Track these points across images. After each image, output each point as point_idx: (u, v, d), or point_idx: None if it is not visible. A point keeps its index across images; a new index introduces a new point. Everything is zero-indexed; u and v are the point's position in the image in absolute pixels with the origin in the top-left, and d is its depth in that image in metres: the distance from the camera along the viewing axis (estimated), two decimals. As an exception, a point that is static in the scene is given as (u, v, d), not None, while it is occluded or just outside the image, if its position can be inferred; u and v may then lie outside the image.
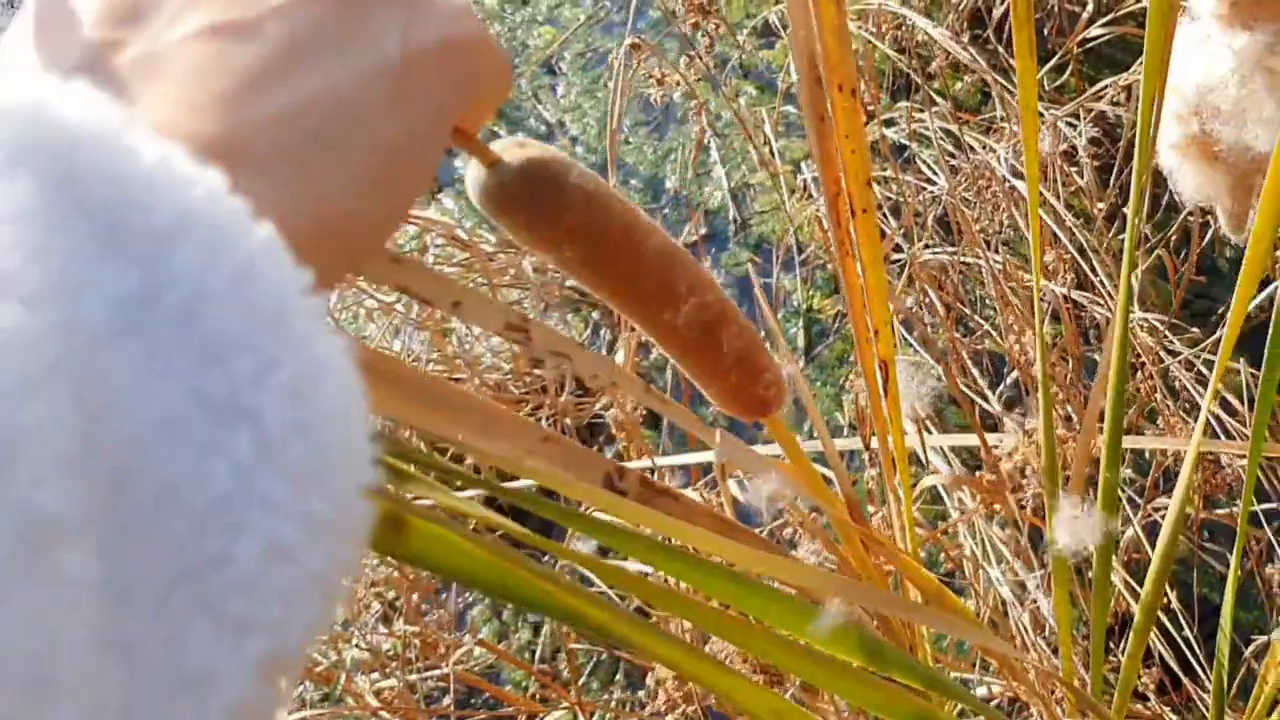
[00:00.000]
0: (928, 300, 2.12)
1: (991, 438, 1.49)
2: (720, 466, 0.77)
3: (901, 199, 2.33)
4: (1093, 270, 2.04)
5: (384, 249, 0.52)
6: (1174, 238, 2.22)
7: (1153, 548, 1.17)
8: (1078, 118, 2.21)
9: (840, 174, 0.84)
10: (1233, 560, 1.13)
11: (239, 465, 0.31)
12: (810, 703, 1.43)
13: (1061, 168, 2.17)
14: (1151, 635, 1.77)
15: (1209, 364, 1.95)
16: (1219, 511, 1.86)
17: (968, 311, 2.23)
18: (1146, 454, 1.98)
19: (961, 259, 2.21)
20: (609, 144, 1.96)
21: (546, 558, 1.78)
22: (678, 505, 0.71)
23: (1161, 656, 1.79)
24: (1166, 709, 1.78)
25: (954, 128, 2.26)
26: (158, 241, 0.32)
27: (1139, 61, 0.93)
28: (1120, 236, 2.07)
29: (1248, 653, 1.75)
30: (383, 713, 1.89)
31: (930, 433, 1.75)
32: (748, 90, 2.88)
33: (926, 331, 2.08)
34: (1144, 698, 1.77)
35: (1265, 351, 0.96)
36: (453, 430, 0.62)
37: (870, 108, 2.52)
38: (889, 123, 2.53)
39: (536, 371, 2.36)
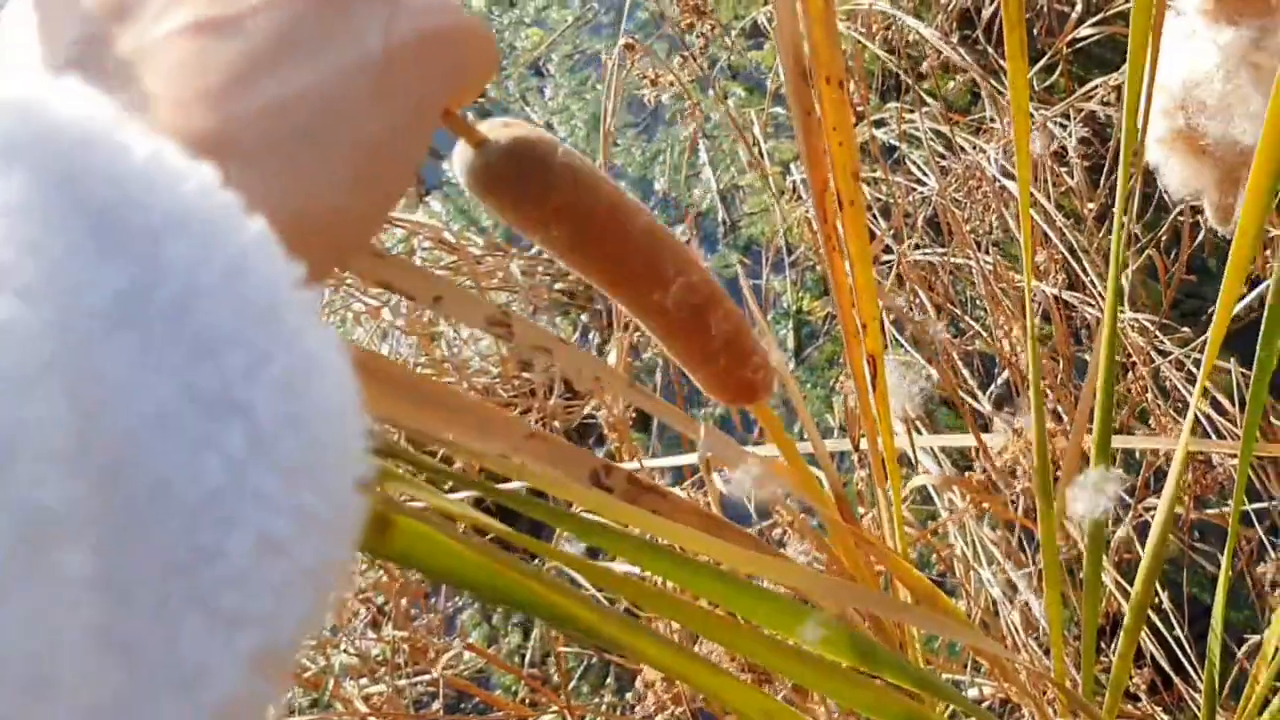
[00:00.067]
0: (918, 301, 2.12)
1: (983, 437, 1.49)
2: (706, 461, 0.77)
3: (891, 199, 2.32)
4: (1083, 270, 2.04)
5: (369, 244, 0.51)
6: (1164, 237, 2.22)
7: (1144, 547, 1.17)
8: (1068, 118, 2.21)
9: (827, 169, 0.84)
10: (1224, 560, 1.12)
11: (231, 459, 0.31)
12: (800, 703, 1.43)
13: (1052, 168, 2.16)
14: (1143, 635, 1.77)
15: (1199, 364, 1.95)
16: (1209, 511, 1.86)
17: (958, 312, 2.23)
18: (1137, 454, 1.97)
19: (952, 259, 2.20)
20: (602, 143, 1.96)
21: (536, 560, 1.77)
22: (664, 502, 0.71)
23: (1153, 656, 1.78)
24: (1158, 709, 1.78)
25: (944, 128, 2.26)
26: (151, 237, 0.32)
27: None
28: (1111, 237, 2.07)
29: (1240, 653, 1.75)
30: (371, 718, 1.89)
31: (920, 433, 1.74)
32: (736, 91, 2.87)
33: (919, 330, 2.08)
34: (1135, 698, 1.77)
35: (1256, 351, 0.95)
36: (438, 427, 0.62)
37: (860, 109, 2.52)
38: (879, 123, 2.52)
39: (525, 375, 2.36)
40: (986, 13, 2.61)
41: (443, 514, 0.56)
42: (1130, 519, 1.86)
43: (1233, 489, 1.33)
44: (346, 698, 1.92)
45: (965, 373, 2.08)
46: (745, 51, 2.93)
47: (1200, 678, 1.73)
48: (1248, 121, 1.01)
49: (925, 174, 2.34)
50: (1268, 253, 2.04)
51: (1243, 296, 1.95)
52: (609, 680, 2.15)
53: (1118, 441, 1.61)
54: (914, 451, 1.40)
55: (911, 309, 2.10)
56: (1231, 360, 1.85)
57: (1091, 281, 2.04)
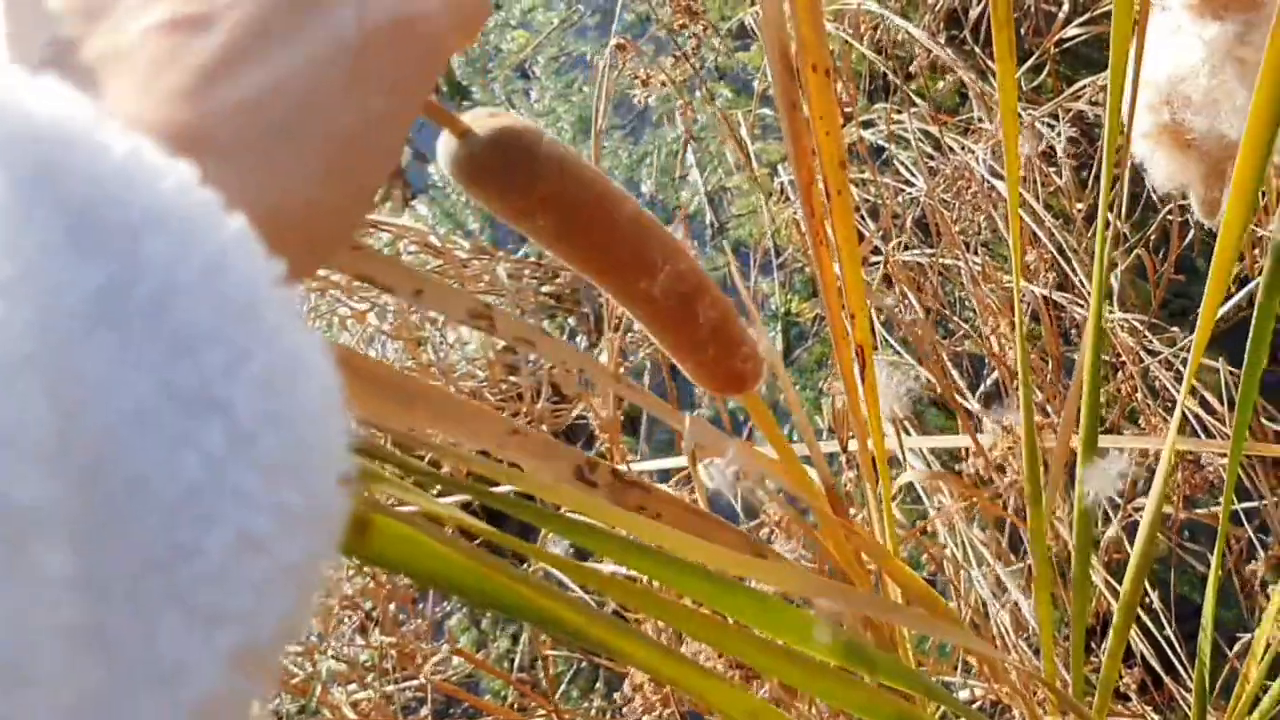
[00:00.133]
0: (907, 302, 2.11)
1: (972, 433, 1.49)
2: (692, 454, 0.76)
3: (879, 200, 2.32)
4: (1072, 270, 2.04)
5: (350, 239, 0.51)
6: (1153, 237, 2.22)
7: (1133, 547, 1.17)
8: (1056, 118, 2.20)
9: (814, 163, 0.83)
10: (1213, 559, 1.12)
11: (210, 457, 0.31)
12: (789, 701, 1.42)
13: (1040, 168, 2.16)
14: (1133, 635, 1.77)
15: (1188, 363, 1.95)
16: (1199, 511, 1.86)
17: (947, 313, 2.23)
18: (1126, 454, 1.97)
19: (940, 260, 2.20)
20: (593, 144, 1.97)
21: (525, 564, 1.77)
22: (649, 497, 0.70)
23: (1143, 656, 1.78)
24: (1149, 708, 1.78)
25: (933, 129, 2.25)
26: (129, 234, 0.32)
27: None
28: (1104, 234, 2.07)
29: (1233, 652, 1.75)
30: (359, 724, 1.88)
31: (909, 434, 1.74)
32: (723, 93, 2.87)
33: (909, 329, 2.08)
34: (1126, 697, 1.76)
35: (1245, 350, 0.95)
36: (421, 424, 0.61)
37: (848, 109, 2.52)
38: (866, 124, 2.52)
39: (512, 379, 2.35)
40: (974, 13, 2.61)
41: (430, 517, 0.56)
42: (1120, 519, 1.86)
43: (1222, 488, 1.32)
44: (334, 704, 1.92)
45: (954, 374, 2.08)
46: (732, 53, 2.93)
47: (1191, 677, 1.72)
48: (1234, 116, 1.01)
49: (914, 175, 2.34)
50: (1256, 252, 2.04)
51: (1231, 296, 1.95)
52: (598, 684, 2.14)
53: (1106, 441, 1.61)
54: (902, 452, 1.40)
55: (900, 309, 2.10)
56: (1220, 360, 1.84)
57: (1081, 281, 2.04)
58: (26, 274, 0.30)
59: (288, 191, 0.40)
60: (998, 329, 1.90)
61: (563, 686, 2.17)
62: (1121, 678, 1.74)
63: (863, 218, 2.36)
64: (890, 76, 2.49)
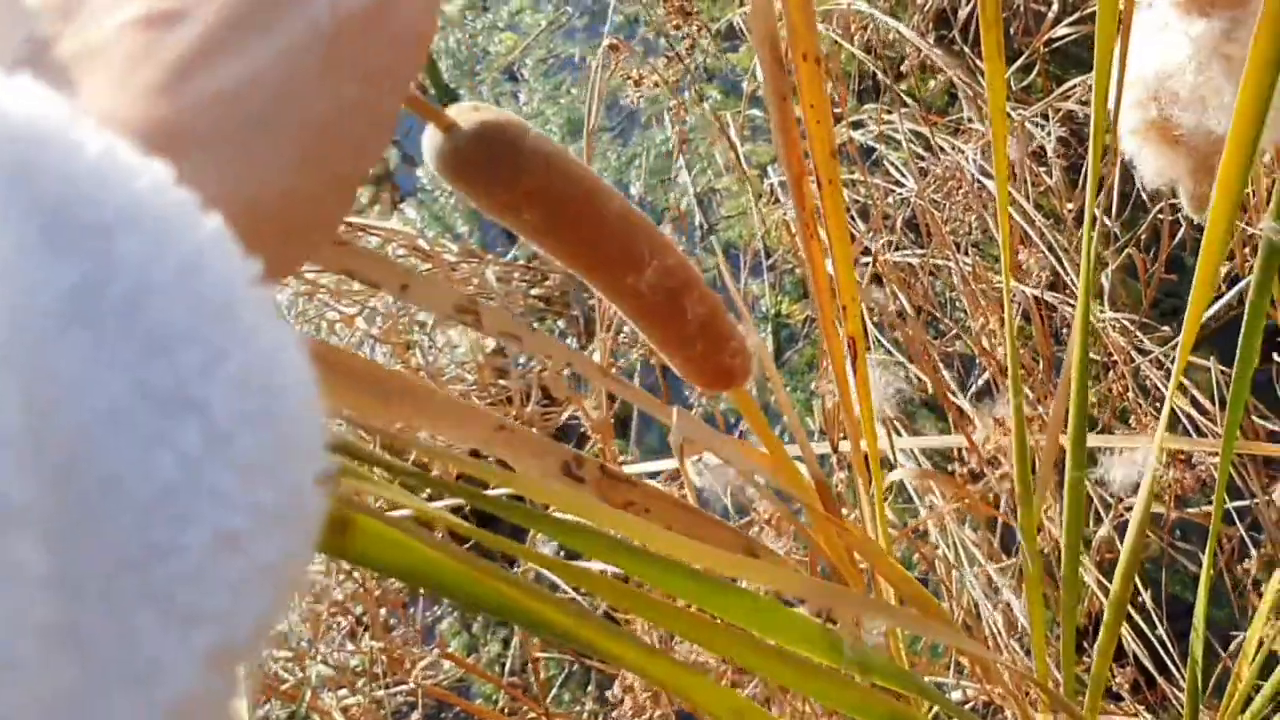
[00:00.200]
0: (898, 302, 2.11)
1: (964, 429, 1.48)
2: (680, 448, 0.76)
3: (870, 201, 2.32)
4: (1064, 270, 2.04)
5: (332, 233, 0.51)
6: (1144, 236, 2.22)
7: (1123, 545, 1.17)
8: (1046, 118, 2.20)
9: (804, 155, 0.83)
10: (1205, 558, 1.12)
11: (186, 456, 0.31)
12: (786, 700, 1.42)
13: (1031, 168, 2.16)
14: (1126, 635, 1.77)
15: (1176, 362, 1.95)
16: (1190, 510, 1.86)
17: (938, 315, 2.22)
18: (1117, 453, 1.97)
19: (931, 260, 2.20)
20: (586, 144, 1.96)
21: (515, 567, 1.76)
22: (637, 492, 0.70)
23: (1136, 655, 1.78)
24: (1141, 707, 1.78)
25: (924, 129, 2.25)
26: (103, 234, 0.31)
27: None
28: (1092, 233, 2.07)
29: (1227, 652, 1.75)
30: (350, 729, 1.88)
31: (900, 434, 1.74)
32: (712, 94, 2.87)
33: (901, 328, 2.08)
34: (1119, 697, 1.76)
35: (1236, 348, 0.95)
36: (404, 420, 0.61)
37: (837, 110, 2.52)
38: (856, 125, 2.52)
39: (502, 382, 2.35)
40: (963, 13, 2.61)
41: (420, 519, 0.55)
42: (1111, 518, 1.86)
43: (1213, 487, 1.32)
44: (324, 709, 1.91)
45: (945, 374, 2.08)
46: (721, 54, 2.93)
47: (1183, 676, 1.72)
48: (1221, 113, 1.01)
49: (904, 175, 2.34)
50: (1247, 250, 2.04)
51: (1221, 295, 1.95)
52: (590, 687, 2.14)
53: (1095, 440, 1.61)
54: (893, 453, 1.40)
55: (891, 308, 2.10)
56: (1211, 359, 1.84)
57: (1071, 281, 2.04)
58: (1, 273, 0.30)
59: (265, 183, 0.40)
60: (987, 325, 1.90)
61: (554, 690, 2.16)
62: (1114, 677, 1.74)
63: (853, 218, 2.36)
64: (880, 76, 2.49)
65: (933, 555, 1.78)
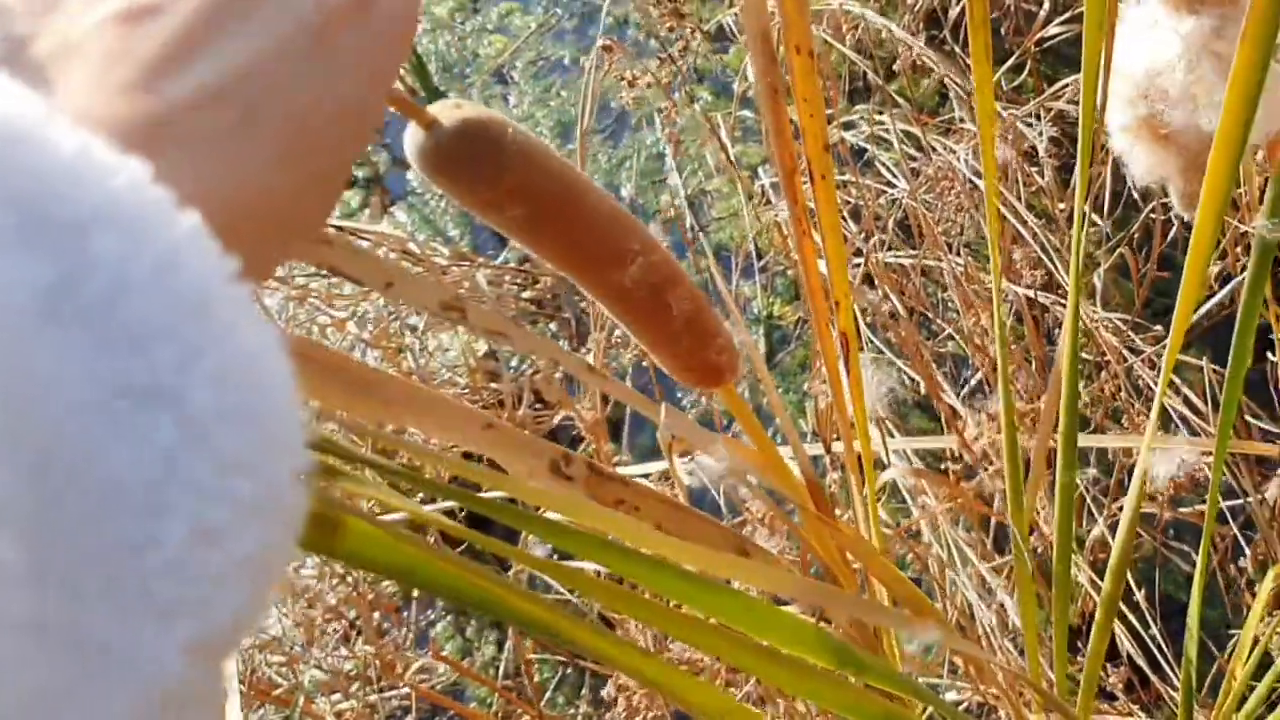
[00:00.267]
0: (890, 304, 2.11)
1: (957, 427, 1.48)
2: (668, 446, 0.76)
3: (861, 202, 2.32)
4: (1056, 270, 2.04)
5: (317, 230, 0.50)
6: (1136, 235, 2.22)
7: (1114, 544, 1.17)
8: (1037, 118, 2.20)
9: (795, 150, 0.83)
10: (1199, 558, 1.12)
11: (163, 451, 0.31)
12: (785, 700, 1.42)
13: (1022, 167, 2.16)
14: (1120, 635, 1.78)
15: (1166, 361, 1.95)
16: (1184, 510, 1.86)
17: (930, 315, 2.22)
18: (1110, 453, 1.97)
19: (923, 261, 2.20)
20: (579, 146, 1.96)
21: (509, 569, 1.76)
22: (627, 490, 0.70)
23: (1130, 655, 1.78)
24: (1135, 707, 1.78)
25: (916, 130, 2.25)
26: (79, 231, 0.31)
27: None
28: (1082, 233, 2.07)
29: (1223, 653, 1.75)
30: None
31: (893, 435, 1.74)
32: (703, 95, 2.86)
33: (894, 328, 2.07)
34: (1113, 696, 1.76)
35: (1229, 347, 0.95)
36: (391, 418, 0.61)
37: (829, 111, 2.51)
38: (848, 126, 2.52)
39: (494, 385, 2.35)
40: (953, 12, 2.61)
41: (413, 522, 0.56)
42: (1104, 518, 1.86)
43: (1207, 486, 1.32)
44: (318, 714, 1.91)
45: (938, 376, 2.08)
46: (711, 55, 2.92)
47: (1177, 675, 1.72)
48: (1212, 110, 1.01)
49: (895, 176, 2.33)
50: (1239, 250, 2.04)
51: (1213, 293, 1.95)
52: (584, 690, 2.14)
53: (1087, 440, 1.61)
54: (886, 454, 1.39)
55: (883, 308, 2.10)
56: (1204, 358, 1.84)
57: (1064, 281, 2.04)
58: None
59: (246, 180, 0.39)
60: (979, 322, 1.90)
61: (548, 693, 2.16)
62: (1108, 676, 1.74)
63: (844, 219, 2.35)
64: (871, 76, 2.49)
65: (926, 554, 1.78)
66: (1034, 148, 2.18)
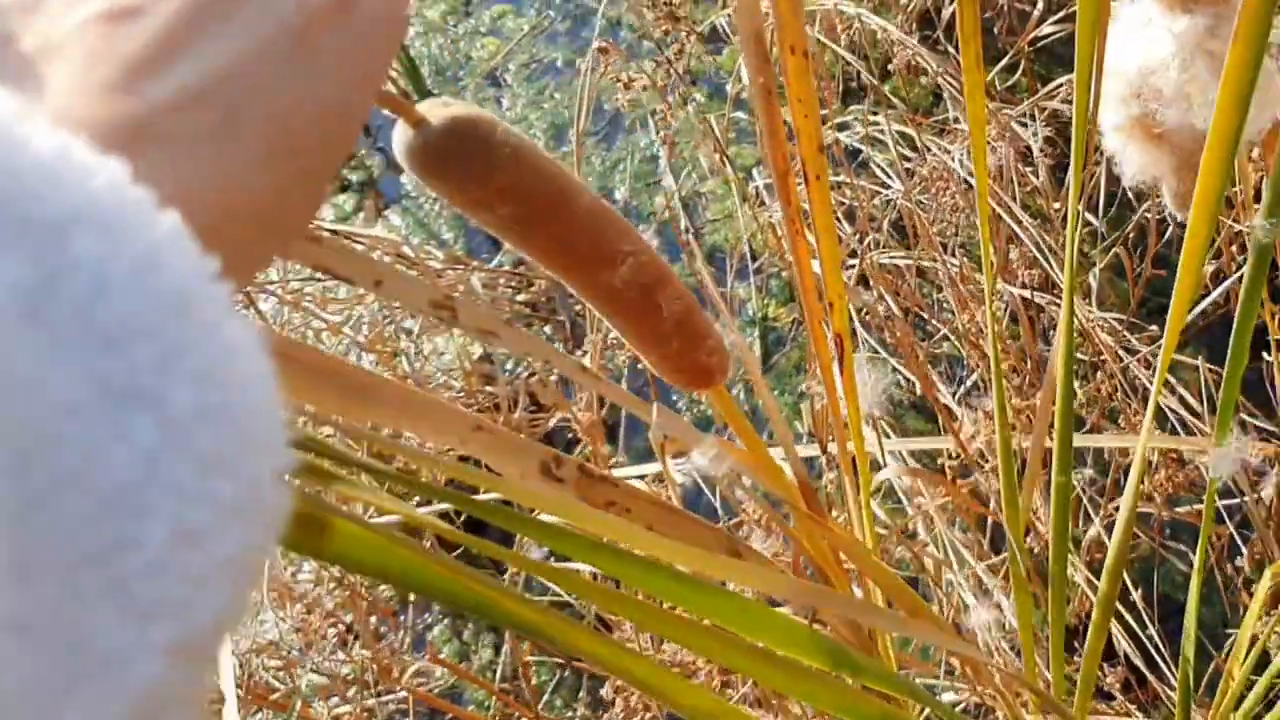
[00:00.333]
0: (884, 304, 2.11)
1: (953, 427, 1.48)
2: (660, 446, 0.76)
3: (856, 203, 2.32)
4: (1050, 270, 2.04)
5: (304, 228, 0.50)
6: (1131, 234, 2.22)
7: (1110, 544, 1.17)
8: (1031, 118, 2.20)
9: (789, 151, 0.83)
10: (1196, 558, 1.12)
11: (144, 450, 0.31)
12: (781, 702, 1.42)
13: (1017, 168, 2.16)
14: (1118, 634, 1.77)
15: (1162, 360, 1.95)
16: (1180, 510, 1.86)
17: (925, 316, 2.22)
18: (1106, 453, 1.97)
19: (918, 262, 2.20)
20: (575, 149, 1.96)
21: (504, 572, 1.76)
22: (618, 491, 0.70)
23: (1127, 655, 1.78)
24: (1133, 706, 1.77)
25: (910, 130, 2.25)
26: (58, 231, 0.31)
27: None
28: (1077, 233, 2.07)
29: (1221, 653, 1.74)
30: (340, 738, 1.88)
31: (889, 436, 1.74)
32: (696, 97, 2.86)
33: (889, 328, 2.07)
34: (1110, 696, 1.76)
35: (1225, 346, 0.95)
36: (380, 419, 0.61)
37: (823, 112, 2.51)
38: (842, 127, 2.51)
39: (489, 389, 2.35)
40: (946, 13, 2.61)
41: (409, 524, 0.56)
42: (1100, 518, 1.86)
43: (1203, 486, 1.32)
44: (315, 718, 1.91)
45: (934, 375, 2.08)
46: (705, 56, 2.92)
47: (1175, 674, 1.72)
48: (1206, 110, 1.01)
49: (889, 177, 2.33)
50: (1233, 248, 2.04)
51: (1208, 293, 1.95)
52: (582, 693, 2.14)
53: (1082, 440, 1.61)
54: (882, 454, 1.39)
55: (879, 309, 2.09)
56: (1199, 358, 1.84)
57: (1059, 281, 2.03)
58: None
59: (229, 180, 0.39)
60: (973, 318, 1.90)
61: (546, 695, 2.16)
62: (1105, 676, 1.74)
63: (839, 221, 2.35)
64: (865, 76, 2.49)
65: (922, 552, 1.78)
66: (1028, 148, 2.18)
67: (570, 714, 2.14)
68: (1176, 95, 1.02)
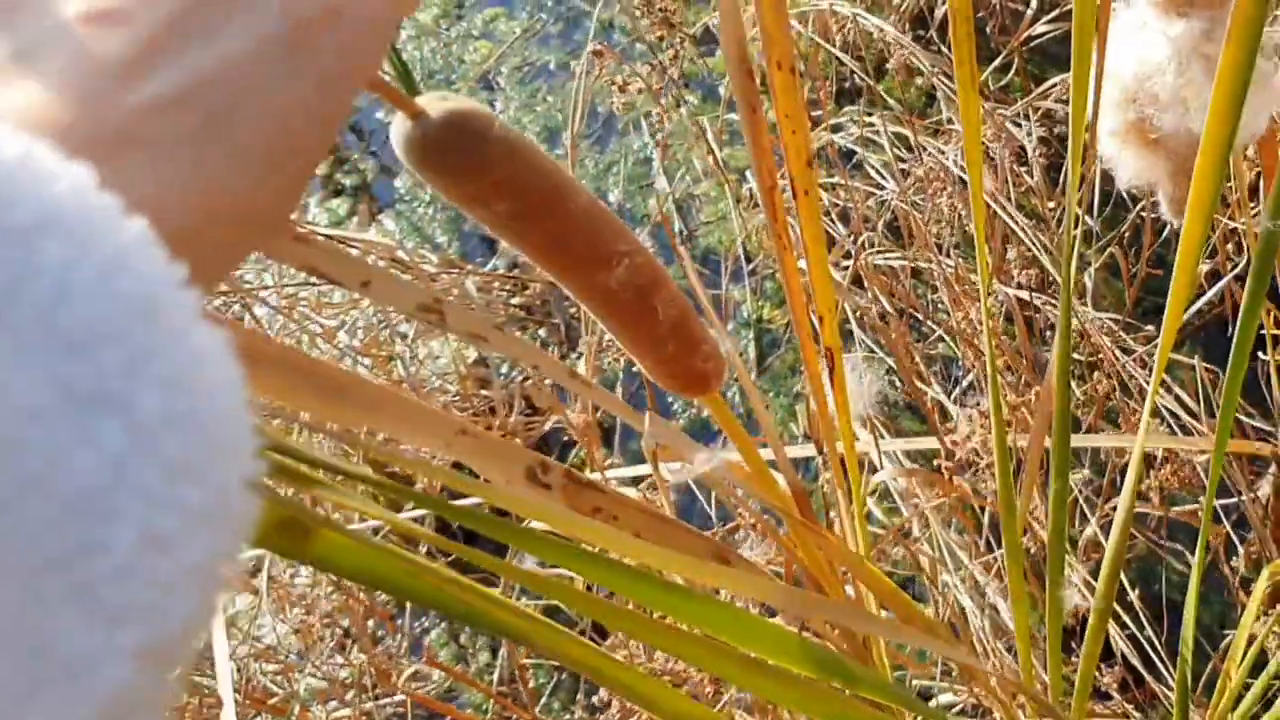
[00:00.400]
0: (880, 306, 2.11)
1: (948, 426, 1.48)
2: (652, 454, 0.76)
3: (850, 204, 2.31)
4: (1046, 270, 2.03)
5: (286, 227, 0.50)
6: (1126, 234, 2.21)
7: (1107, 545, 1.16)
8: (1026, 117, 2.20)
9: (774, 167, 0.83)
10: (1194, 557, 1.12)
11: (110, 455, 0.31)
12: (773, 710, 1.41)
13: (1011, 168, 2.16)
14: (1115, 634, 1.77)
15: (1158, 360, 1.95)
16: (1178, 510, 1.85)
17: (920, 317, 2.22)
18: (1102, 453, 1.97)
19: (913, 263, 2.19)
20: (570, 150, 1.96)
21: (501, 588, 1.75)
22: (605, 498, 0.69)
23: (1124, 655, 1.77)
24: (1130, 706, 1.77)
25: (906, 131, 2.25)
26: (21, 236, 0.31)
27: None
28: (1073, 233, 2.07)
29: (1218, 651, 1.74)
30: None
31: (884, 437, 1.73)
32: (689, 99, 2.85)
33: (883, 329, 2.07)
34: (1108, 696, 1.76)
35: (1220, 346, 0.95)
36: (365, 423, 0.60)
37: (816, 114, 2.51)
38: (835, 128, 2.51)
39: (484, 393, 2.35)
40: (939, 12, 2.61)
41: (401, 532, 0.55)
42: (1097, 518, 1.86)
43: (1201, 485, 1.32)
44: (314, 723, 1.91)
45: (929, 376, 2.07)
46: (698, 58, 2.92)
47: (1172, 675, 1.72)
48: (1201, 114, 1.01)
49: (884, 178, 2.33)
50: (1229, 247, 2.04)
51: (1203, 292, 1.95)
52: (579, 696, 2.13)
53: (1080, 441, 1.61)
54: (879, 455, 1.39)
55: (873, 310, 2.09)
56: (1196, 357, 1.84)
57: (1054, 281, 2.03)
58: None
59: (209, 182, 0.39)
60: (968, 316, 1.90)
61: (543, 698, 2.16)
62: (1103, 676, 1.73)
63: (833, 222, 2.35)
64: (860, 77, 2.48)
65: (917, 553, 1.78)
66: (1023, 147, 2.18)
67: (568, 717, 2.14)
68: (1172, 100, 1.02)
